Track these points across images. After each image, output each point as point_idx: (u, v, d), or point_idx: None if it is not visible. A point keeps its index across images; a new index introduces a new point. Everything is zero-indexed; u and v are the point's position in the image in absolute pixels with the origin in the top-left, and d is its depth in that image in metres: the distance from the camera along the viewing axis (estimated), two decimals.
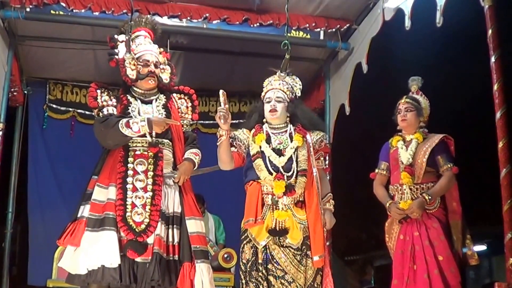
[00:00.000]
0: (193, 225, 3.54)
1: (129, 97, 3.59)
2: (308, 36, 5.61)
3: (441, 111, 4.38)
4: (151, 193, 3.42)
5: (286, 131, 3.61)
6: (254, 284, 3.43)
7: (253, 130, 3.66)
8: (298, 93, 3.74)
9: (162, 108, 3.63)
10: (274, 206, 3.46)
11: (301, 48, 5.68)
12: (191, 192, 3.64)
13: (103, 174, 3.45)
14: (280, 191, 3.43)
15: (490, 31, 3.69)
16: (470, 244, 4.04)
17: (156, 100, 3.65)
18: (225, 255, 5.39)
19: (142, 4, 5.10)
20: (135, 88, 3.63)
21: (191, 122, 3.89)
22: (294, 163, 3.49)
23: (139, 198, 3.40)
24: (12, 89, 5.63)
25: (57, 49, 5.58)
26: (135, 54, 3.58)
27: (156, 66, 3.62)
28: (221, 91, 3.46)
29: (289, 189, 3.43)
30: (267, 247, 3.44)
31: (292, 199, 3.45)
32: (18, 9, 4.93)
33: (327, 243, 3.66)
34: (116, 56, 3.59)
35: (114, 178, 3.43)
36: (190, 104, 3.81)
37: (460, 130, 4.21)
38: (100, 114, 3.51)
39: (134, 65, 3.56)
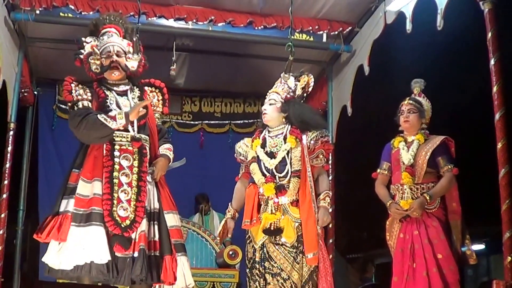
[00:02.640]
0: (172, 219, 3.55)
1: (104, 90, 3.55)
2: (311, 39, 5.69)
3: (441, 112, 4.43)
4: (136, 189, 3.39)
5: (282, 133, 3.69)
6: (253, 281, 3.57)
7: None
8: (299, 92, 3.78)
9: (139, 101, 3.60)
10: (267, 208, 3.58)
11: (304, 50, 5.73)
12: (167, 186, 3.65)
13: (86, 168, 3.39)
14: (270, 193, 3.55)
15: (489, 34, 3.74)
16: (469, 244, 4.10)
17: (131, 92, 3.63)
18: (230, 252, 5.46)
19: (148, 6, 5.18)
20: (106, 80, 3.60)
21: (164, 116, 3.89)
22: (288, 164, 3.57)
23: (125, 193, 3.37)
24: (23, 90, 5.68)
25: (66, 50, 5.66)
26: (98, 49, 3.56)
27: (118, 55, 3.57)
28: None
29: (279, 190, 3.54)
30: (264, 245, 3.54)
31: (288, 198, 3.54)
32: (28, 12, 5.01)
33: (330, 241, 3.75)
34: (80, 56, 3.57)
35: (99, 172, 3.38)
36: (161, 97, 3.78)
37: (459, 131, 4.26)
38: (75, 107, 3.45)
39: (98, 59, 3.55)
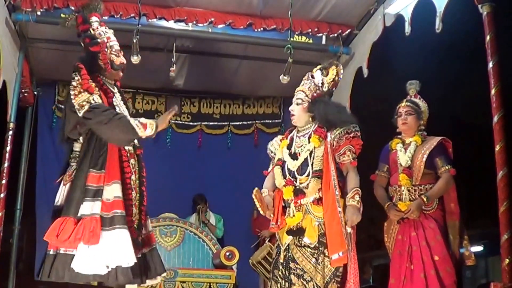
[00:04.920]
0: None
1: (110, 87, 3.49)
2: (311, 41, 5.68)
3: (440, 114, 4.47)
4: (139, 193, 3.46)
5: (308, 133, 3.63)
6: (274, 281, 3.55)
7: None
8: (326, 88, 3.65)
9: (123, 103, 3.59)
10: (288, 211, 3.56)
11: (304, 52, 5.74)
12: None
13: (108, 171, 3.31)
14: (289, 196, 3.51)
15: (488, 37, 3.75)
16: (468, 245, 4.11)
17: (118, 92, 3.60)
18: (227, 253, 5.47)
19: (149, 8, 5.21)
20: (105, 78, 3.51)
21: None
22: (310, 165, 3.52)
23: (134, 197, 3.42)
24: (23, 90, 5.70)
25: (66, 51, 5.68)
26: (107, 42, 3.48)
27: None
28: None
29: (296, 194, 3.49)
30: (289, 247, 3.52)
31: (307, 199, 3.49)
32: (29, 13, 5.03)
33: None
34: (99, 41, 3.43)
35: (116, 175, 3.32)
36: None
37: (458, 133, 4.28)
38: (92, 101, 3.24)
39: (109, 53, 3.47)
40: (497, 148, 3.61)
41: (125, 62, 3.53)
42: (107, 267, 3.17)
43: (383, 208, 4.22)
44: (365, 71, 5.38)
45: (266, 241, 5.36)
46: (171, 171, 6.62)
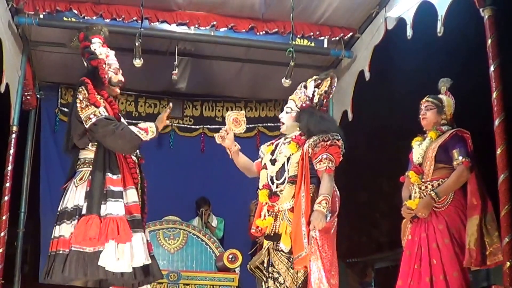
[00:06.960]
0: None
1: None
2: (312, 44, 5.68)
3: None
4: (141, 202, 3.59)
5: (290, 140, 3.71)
6: (264, 283, 3.62)
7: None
8: (316, 100, 3.72)
9: None
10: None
11: (305, 56, 5.76)
12: None
13: (122, 175, 3.49)
14: (263, 200, 3.60)
15: (489, 41, 3.75)
16: (495, 241, 3.78)
17: None
18: (230, 256, 5.50)
19: (151, 12, 5.23)
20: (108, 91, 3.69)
21: None
22: (286, 171, 3.59)
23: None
24: (26, 93, 5.73)
25: (69, 54, 5.70)
26: (106, 60, 3.68)
27: None
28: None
29: (270, 196, 3.59)
30: (269, 251, 3.59)
31: (283, 205, 3.56)
32: (32, 16, 5.06)
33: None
34: (96, 57, 3.61)
35: (130, 181, 3.51)
36: None
37: None
38: (100, 113, 3.43)
39: (108, 70, 3.66)
40: (499, 151, 3.60)
41: (123, 80, 3.70)
42: (131, 266, 3.32)
43: (383, 211, 4.21)
44: (367, 75, 5.38)
45: None
46: (174, 174, 6.64)
